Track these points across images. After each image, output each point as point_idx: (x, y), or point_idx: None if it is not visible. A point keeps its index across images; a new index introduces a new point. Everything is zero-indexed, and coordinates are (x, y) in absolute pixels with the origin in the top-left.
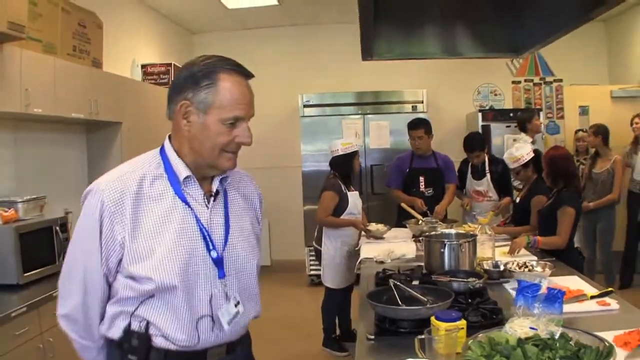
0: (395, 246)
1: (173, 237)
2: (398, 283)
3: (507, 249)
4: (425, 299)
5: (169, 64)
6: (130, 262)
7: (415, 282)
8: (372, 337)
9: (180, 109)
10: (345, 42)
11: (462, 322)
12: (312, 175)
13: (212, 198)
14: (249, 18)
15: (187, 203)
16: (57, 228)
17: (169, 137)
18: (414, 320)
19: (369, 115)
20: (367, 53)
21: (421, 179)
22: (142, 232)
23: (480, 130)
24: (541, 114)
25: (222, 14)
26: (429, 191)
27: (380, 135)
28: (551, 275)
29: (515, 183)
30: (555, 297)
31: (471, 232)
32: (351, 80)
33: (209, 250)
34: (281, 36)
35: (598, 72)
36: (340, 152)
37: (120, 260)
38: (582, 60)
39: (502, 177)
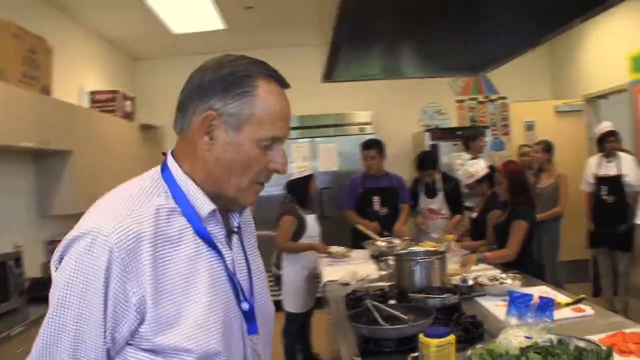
0: (358, 267)
1: (206, 292)
2: (377, 304)
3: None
4: (407, 317)
5: (116, 91)
6: (156, 331)
7: (392, 302)
8: (359, 359)
9: (204, 122)
10: (292, 66)
11: (452, 337)
12: (261, 199)
13: (233, 236)
14: (195, 43)
15: (213, 245)
16: (11, 263)
17: (172, 154)
18: (398, 339)
19: (317, 139)
20: (329, 75)
21: (375, 198)
22: (167, 289)
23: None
24: (487, 131)
25: (167, 39)
26: (384, 211)
27: (329, 158)
28: (521, 286)
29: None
30: (546, 306)
31: (438, 249)
32: (298, 104)
33: (239, 301)
34: None
35: (542, 88)
36: (296, 176)
37: (134, 330)
38: (526, 77)
39: (454, 194)
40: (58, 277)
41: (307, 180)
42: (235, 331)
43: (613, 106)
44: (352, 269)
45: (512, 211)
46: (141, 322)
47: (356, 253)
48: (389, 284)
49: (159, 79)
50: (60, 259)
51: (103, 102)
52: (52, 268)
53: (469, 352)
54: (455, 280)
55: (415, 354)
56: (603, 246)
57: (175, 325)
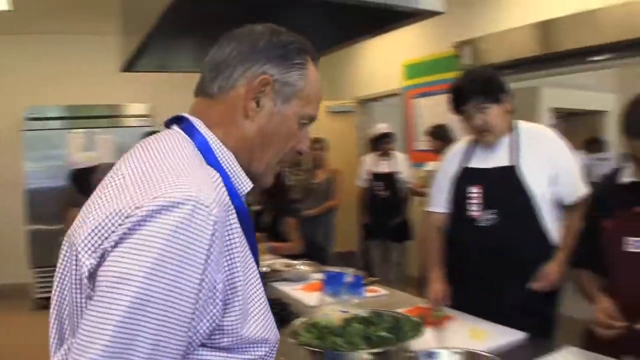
0: None
1: (257, 275)
2: None
3: None
4: None
5: None
6: (242, 321)
7: None
8: None
9: (256, 85)
10: (79, 54)
11: None
12: (38, 192)
13: None
14: None
15: (248, 226)
16: None
17: (198, 118)
18: None
19: (96, 129)
20: (131, 65)
21: None
22: (246, 270)
23: None
24: None
25: None
26: None
27: (107, 149)
28: (313, 271)
29: None
30: (357, 284)
31: None
32: (81, 93)
33: None
34: (12, 44)
35: None
36: (82, 166)
37: (215, 327)
38: None
39: None
40: (132, 261)
41: (92, 171)
42: None
43: (384, 108)
44: None
45: (276, 210)
46: (224, 313)
47: None
48: None
49: None
50: (118, 240)
51: None
52: (88, 255)
53: (295, 322)
54: None
55: None
56: (378, 238)
57: (251, 313)
